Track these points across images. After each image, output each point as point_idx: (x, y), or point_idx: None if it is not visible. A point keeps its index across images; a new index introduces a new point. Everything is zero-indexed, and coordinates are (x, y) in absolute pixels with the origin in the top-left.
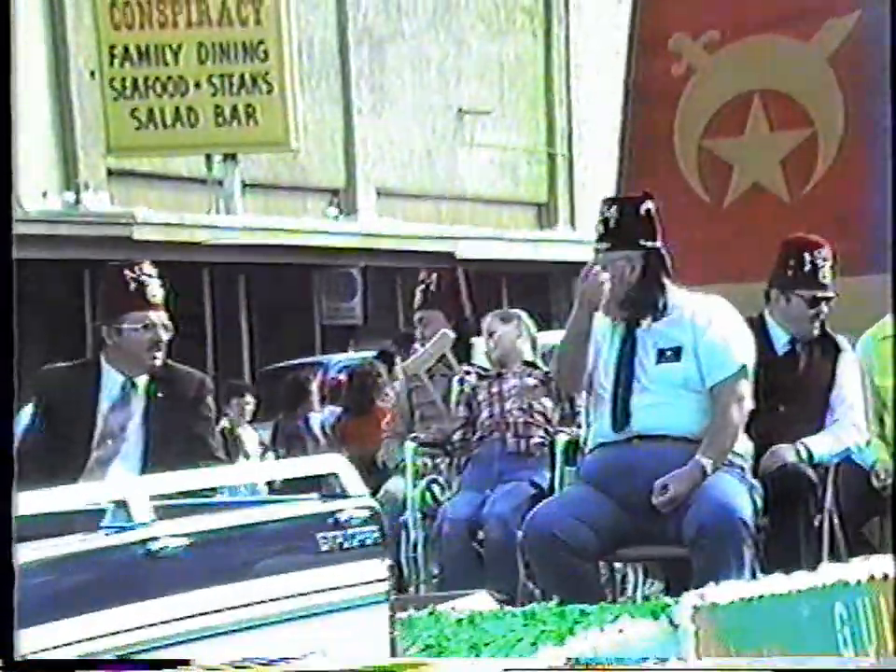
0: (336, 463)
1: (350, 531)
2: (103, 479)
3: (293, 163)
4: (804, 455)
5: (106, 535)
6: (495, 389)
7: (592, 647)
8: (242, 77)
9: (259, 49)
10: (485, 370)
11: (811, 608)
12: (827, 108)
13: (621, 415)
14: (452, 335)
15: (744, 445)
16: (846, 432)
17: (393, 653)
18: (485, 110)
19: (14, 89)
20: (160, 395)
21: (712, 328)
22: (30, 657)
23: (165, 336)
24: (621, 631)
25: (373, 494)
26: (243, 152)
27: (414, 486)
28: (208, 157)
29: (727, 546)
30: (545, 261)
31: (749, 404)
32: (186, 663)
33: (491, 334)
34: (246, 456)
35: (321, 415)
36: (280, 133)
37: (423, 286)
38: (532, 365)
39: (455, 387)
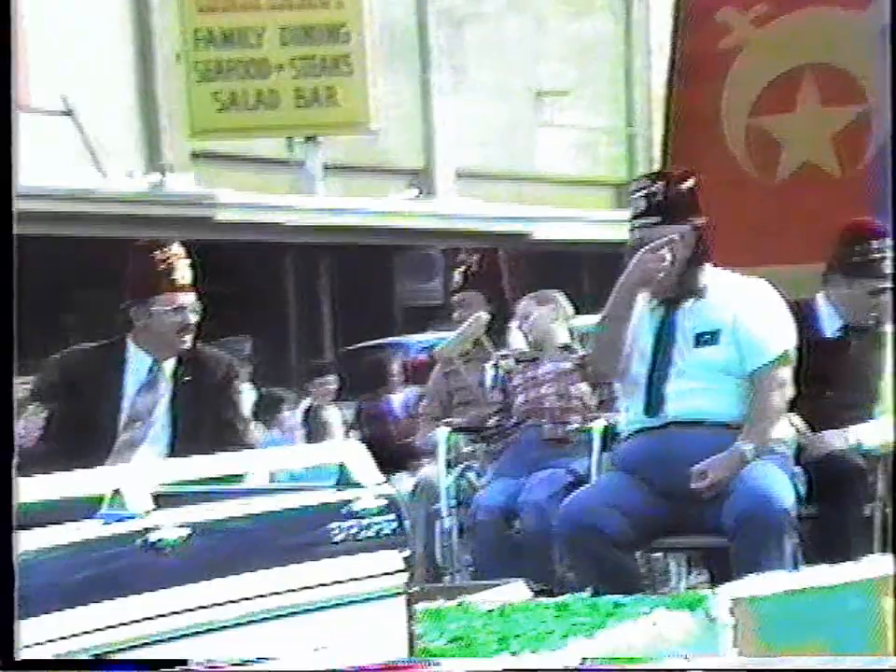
0: (346, 451)
1: (366, 521)
2: (129, 461)
3: (373, 145)
4: (852, 442)
5: (104, 524)
6: (530, 374)
7: (625, 640)
8: (323, 59)
9: (341, 31)
10: (521, 353)
11: (857, 601)
12: (882, 83)
13: (656, 400)
14: (486, 317)
15: (786, 432)
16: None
17: (411, 648)
18: (564, 91)
19: (13, 80)
20: (186, 378)
21: (753, 311)
22: (23, 650)
23: (194, 319)
24: (654, 624)
25: None
26: (323, 134)
27: (448, 473)
28: (289, 139)
29: (768, 536)
30: (623, 242)
31: (790, 390)
32: (185, 663)
33: (526, 317)
34: (331, 436)
35: (403, 396)
36: (360, 115)
37: (463, 267)
38: (568, 348)
39: (490, 372)
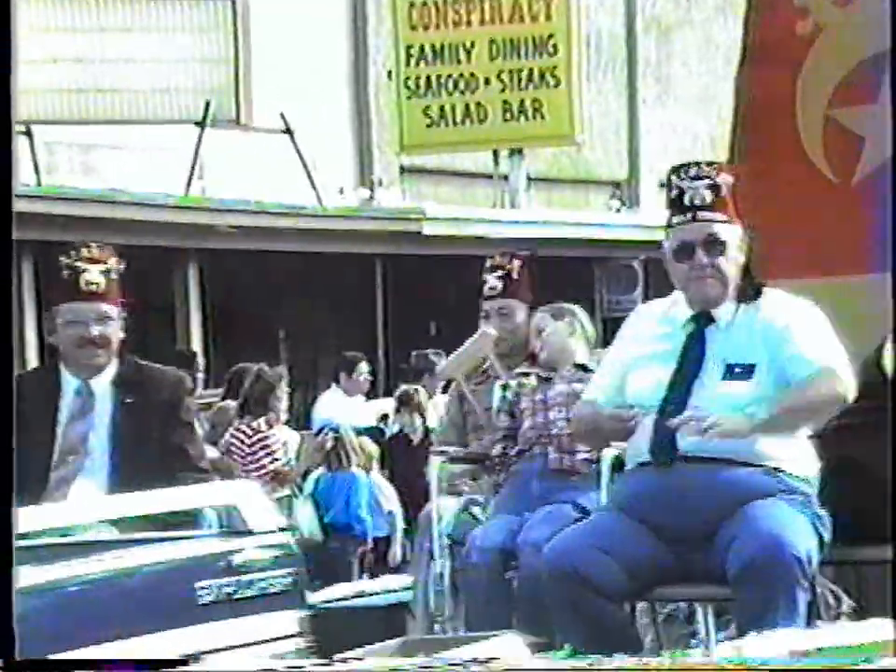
0: (236, 492)
1: (248, 577)
2: (64, 500)
3: (577, 156)
4: None
5: None
6: (539, 396)
7: None
8: (531, 72)
9: (549, 43)
10: (532, 373)
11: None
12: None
13: (664, 432)
14: (493, 333)
15: (809, 468)
16: None
17: None
18: None
19: (14, 87)
20: (128, 400)
21: (799, 342)
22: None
23: (101, 330)
24: None
25: None
26: (529, 146)
27: (440, 510)
28: (495, 152)
29: (775, 588)
30: None
31: (850, 388)
32: (185, 662)
33: (540, 332)
34: None
35: None
36: (566, 127)
37: (500, 271)
38: (584, 368)
39: (497, 393)
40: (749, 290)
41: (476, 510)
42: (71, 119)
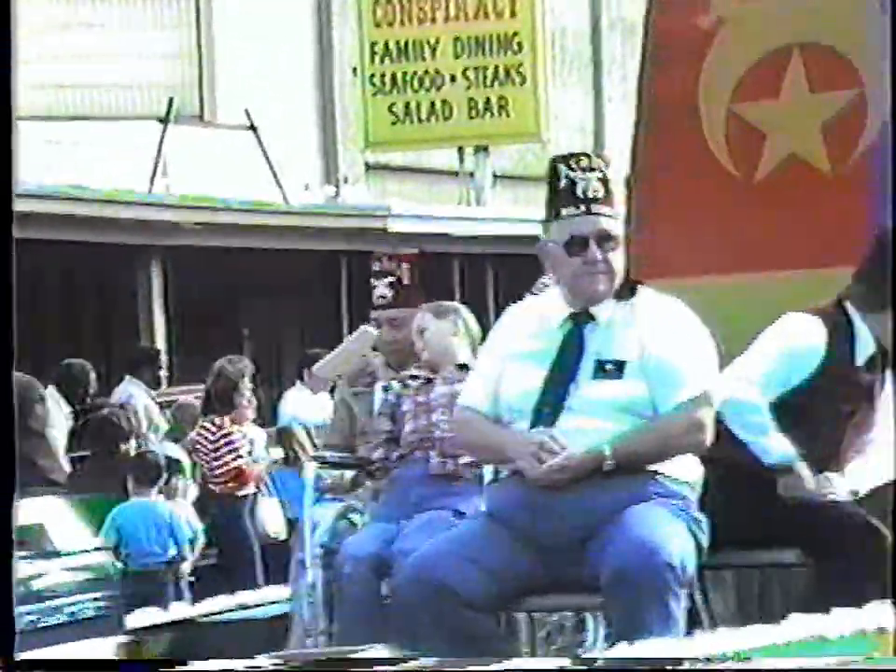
0: (42, 509)
1: (47, 605)
2: None
3: (542, 154)
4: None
5: None
6: (421, 398)
7: None
8: (496, 69)
9: (514, 41)
10: (414, 375)
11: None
12: (877, 65)
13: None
14: (373, 331)
15: (690, 472)
16: (887, 461)
17: None
18: None
19: (14, 86)
20: None
21: (669, 339)
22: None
23: None
24: None
25: None
26: (495, 144)
27: (316, 516)
28: (460, 149)
29: (647, 594)
30: None
31: (705, 436)
32: (184, 663)
33: (422, 332)
34: None
35: None
36: (531, 125)
37: (389, 277)
38: (467, 369)
39: (378, 396)
40: (626, 288)
41: (355, 517)
42: (33, 115)
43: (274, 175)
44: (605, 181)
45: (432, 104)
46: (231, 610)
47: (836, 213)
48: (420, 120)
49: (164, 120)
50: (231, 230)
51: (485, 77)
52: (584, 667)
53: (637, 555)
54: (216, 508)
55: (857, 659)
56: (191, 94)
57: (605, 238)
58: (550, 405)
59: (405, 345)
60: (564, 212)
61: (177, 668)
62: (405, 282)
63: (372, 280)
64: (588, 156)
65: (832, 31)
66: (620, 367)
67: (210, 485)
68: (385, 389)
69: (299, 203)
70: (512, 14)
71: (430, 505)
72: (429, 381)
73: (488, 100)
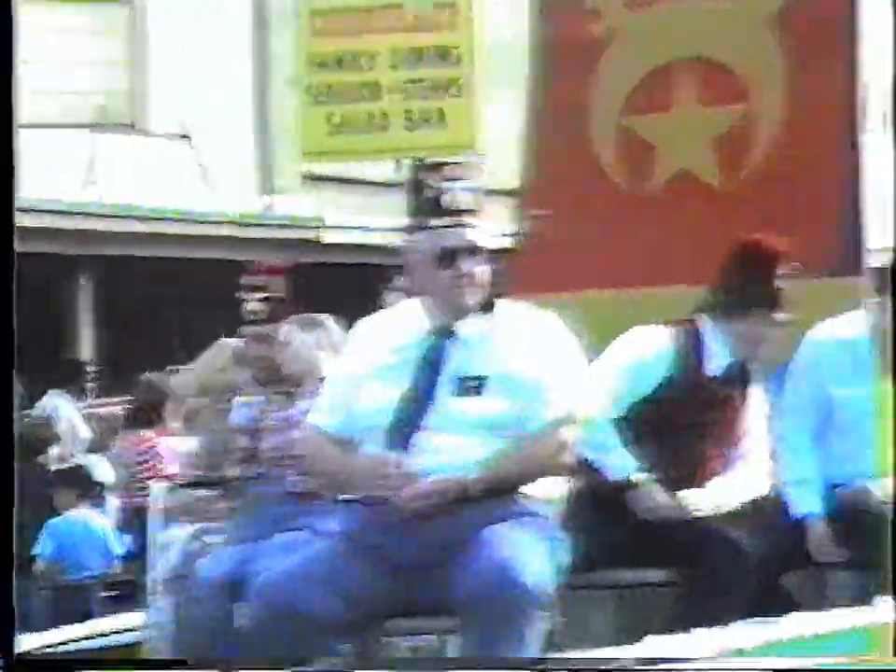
0: None
1: None
2: None
3: (480, 167)
4: (722, 502)
5: None
6: (282, 413)
7: None
8: (433, 81)
9: (452, 53)
10: (277, 391)
11: None
12: (767, 80)
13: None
14: (233, 343)
15: (551, 489)
16: (758, 471)
17: None
18: None
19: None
20: None
21: (533, 355)
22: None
23: None
24: None
25: None
26: (431, 156)
27: (168, 538)
28: (398, 161)
29: (503, 616)
30: None
31: (570, 456)
32: (184, 662)
33: (286, 345)
34: None
35: None
36: (467, 137)
37: (261, 293)
38: None
39: (237, 411)
40: (490, 302)
41: (210, 538)
42: None
43: (209, 185)
44: (474, 191)
45: (370, 115)
46: (90, 638)
47: (725, 228)
48: (358, 131)
49: (96, 128)
50: (163, 239)
51: (423, 89)
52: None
53: (494, 577)
54: (138, 522)
55: (857, 659)
56: (124, 102)
57: (473, 251)
58: (408, 423)
59: (271, 361)
60: (431, 222)
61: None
62: (276, 296)
63: (243, 294)
64: (457, 165)
65: (722, 46)
66: (481, 383)
67: (134, 499)
68: (246, 405)
69: (233, 214)
70: (451, 27)
71: (288, 524)
72: (292, 395)
73: (425, 112)
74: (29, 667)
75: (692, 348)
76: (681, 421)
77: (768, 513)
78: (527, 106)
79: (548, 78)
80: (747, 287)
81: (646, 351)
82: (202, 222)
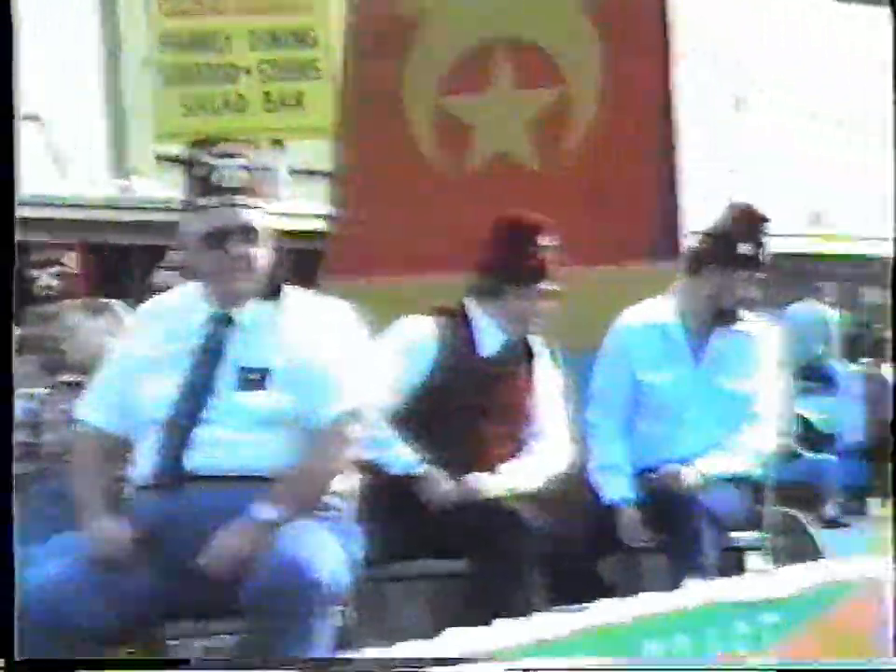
0: None
1: None
2: None
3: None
4: (509, 484)
5: None
6: (65, 406)
7: None
8: (291, 63)
9: (309, 35)
10: (64, 381)
11: None
12: (582, 63)
13: (171, 450)
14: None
15: (344, 482)
16: (555, 448)
17: None
18: None
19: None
20: None
21: (319, 346)
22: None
23: None
24: None
25: None
26: (289, 139)
27: None
28: (255, 143)
29: (290, 615)
30: None
31: (355, 449)
32: (186, 662)
33: (72, 331)
34: None
35: None
36: (326, 120)
37: (56, 267)
38: None
39: (18, 403)
40: (272, 288)
41: None
42: None
43: (61, 168)
44: (249, 169)
45: (226, 96)
46: None
47: (544, 212)
48: (214, 113)
49: None
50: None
51: (280, 71)
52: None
53: (280, 574)
54: None
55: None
56: None
57: (247, 231)
58: (186, 417)
59: (57, 345)
60: (202, 201)
61: (177, 668)
62: (72, 271)
63: (34, 270)
64: (230, 142)
65: (537, 28)
66: (264, 375)
67: None
68: (25, 397)
69: (86, 196)
70: (307, 9)
71: (70, 525)
72: (78, 386)
73: (283, 94)
74: (29, 667)
75: (460, 331)
76: (458, 405)
77: (578, 499)
78: (341, 87)
79: (361, 59)
80: (508, 263)
81: (412, 340)
82: (55, 205)
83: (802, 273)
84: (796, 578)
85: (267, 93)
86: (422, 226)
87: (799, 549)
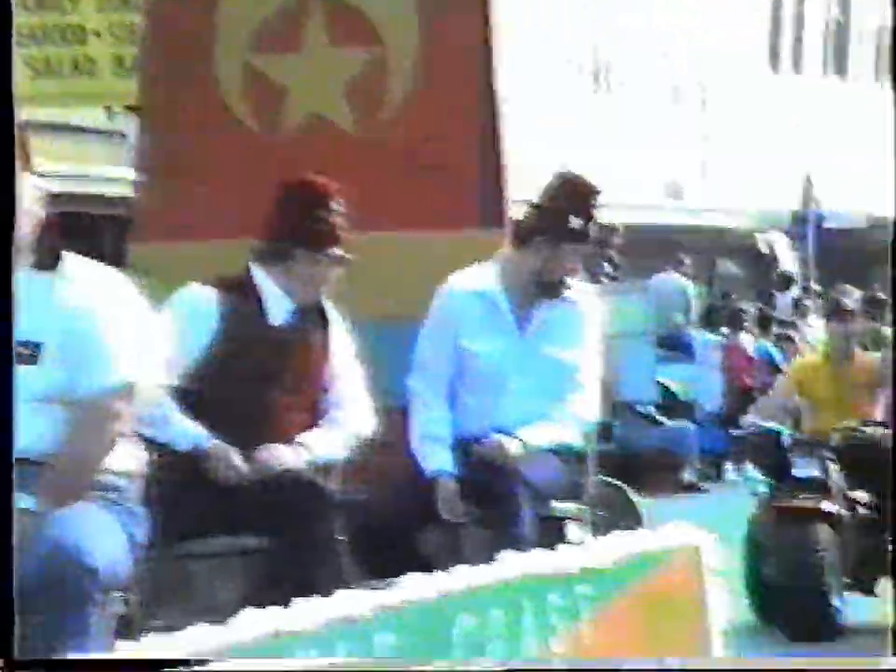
0: None
1: None
2: None
3: None
4: (308, 456)
5: None
6: None
7: None
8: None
9: None
10: None
11: None
12: (399, 23)
13: None
14: None
15: (127, 461)
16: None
17: None
18: None
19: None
20: None
21: (92, 318)
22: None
23: None
24: None
25: None
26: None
27: None
28: (108, 109)
29: (61, 604)
30: None
31: (125, 425)
32: (186, 662)
33: None
34: None
35: None
36: None
37: None
38: None
39: None
40: (48, 257)
41: None
42: None
43: None
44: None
45: (75, 59)
46: None
47: (360, 176)
48: (63, 76)
49: None
50: None
51: (131, 35)
52: None
53: (53, 561)
54: None
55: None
56: None
57: None
58: None
59: None
60: None
61: (177, 668)
62: None
63: None
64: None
65: None
66: (35, 350)
67: None
68: None
69: None
70: None
71: None
72: None
73: (134, 58)
74: (29, 667)
75: (246, 299)
76: (246, 376)
77: (397, 470)
78: (142, 44)
79: (171, 14)
80: (296, 227)
81: (192, 310)
82: None
83: (663, 244)
84: (612, 548)
85: (117, 57)
86: (234, 188)
87: (622, 519)
